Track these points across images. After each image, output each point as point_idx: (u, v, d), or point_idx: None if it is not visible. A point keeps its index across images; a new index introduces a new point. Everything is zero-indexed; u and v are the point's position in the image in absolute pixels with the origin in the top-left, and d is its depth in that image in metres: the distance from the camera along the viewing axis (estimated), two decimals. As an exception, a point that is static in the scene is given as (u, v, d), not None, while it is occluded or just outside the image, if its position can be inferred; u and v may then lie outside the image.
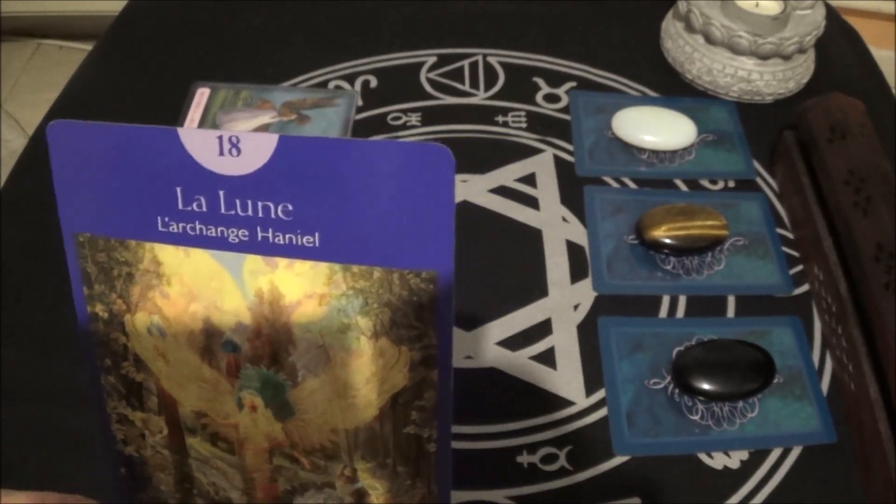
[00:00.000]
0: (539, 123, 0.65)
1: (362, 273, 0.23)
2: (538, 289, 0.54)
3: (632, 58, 0.72)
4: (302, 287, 0.24)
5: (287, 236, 0.23)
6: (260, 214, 0.23)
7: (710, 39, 0.66)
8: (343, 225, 0.22)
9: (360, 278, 0.23)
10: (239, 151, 0.22)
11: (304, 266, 0.23)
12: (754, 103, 0.68)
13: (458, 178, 0.60)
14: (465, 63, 0.70)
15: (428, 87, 0.68)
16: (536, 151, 0.63)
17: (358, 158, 0.22)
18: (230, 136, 0.22)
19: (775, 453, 0.46)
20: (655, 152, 0.63)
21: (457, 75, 0.69)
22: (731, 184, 0.61)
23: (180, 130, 0.23)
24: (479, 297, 0.53)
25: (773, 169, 0.62)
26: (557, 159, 0.62)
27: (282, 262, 0.24)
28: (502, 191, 0.60)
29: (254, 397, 0.25)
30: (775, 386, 0.49)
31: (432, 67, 0.70)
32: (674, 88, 0.69)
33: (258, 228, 0.23)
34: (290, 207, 0.23)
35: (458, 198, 0.59)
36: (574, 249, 0.56)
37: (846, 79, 0.71)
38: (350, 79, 0.68)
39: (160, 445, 0.27)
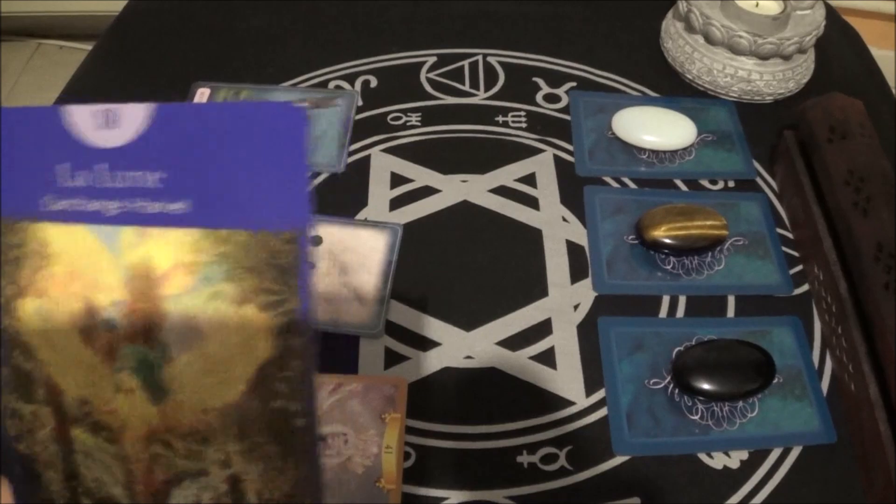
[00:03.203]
0: (539, 123, 0.65)
1: (226, 238, 0.23)
2: (538, 289, 0.54)
3: (632, 58, 0.72)
4: (172, 256, 0.24)
5: (159, 204, 0.23)
6: (135, 184, 0.23)
7: (710, 39, 0.66)
8: (210, 190, 0.23)
9: (224, 243, 0.23)
10: (116, 123, 0.23)
11: (174, 235, 0.24)
12: (754, 103, 0.68)
13: (458, 178, 0.60)
14: (465, 63, 0.70)
15: (428, 87, 0.68)
16: (536, 151, 0.63)
17: (220, 122, 0.22)
18: (106, 108, 0.23)
19: (775, 453, 0.46)
20: (655, 152, 0.63)
21: (457, 75, 0.69)
22: (731, 184, 0.61)
23: (62, 107, 0.23)
24: (479, 297, 0.53)
25: (773, 169, 0.62)
26: (557, 159, 0.62)
27: (154, 232, 0.24)
28: (502, 191, 0.60)
29: (130, 379, 0.25)
30: (775, 386, 0.49)
31: (432, 67, 0.70)
32: (674, 88, 0.69)
33: (133, 199, 0.23)
34: (163, 175, 0.23)
35: (459, 198, 0.59)
36: (574, 249, 0.56)
37: (846, 79, 0.71)
38: (350, 79, 0.68)
39: (49, 440, 0.26)
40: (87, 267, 0.24)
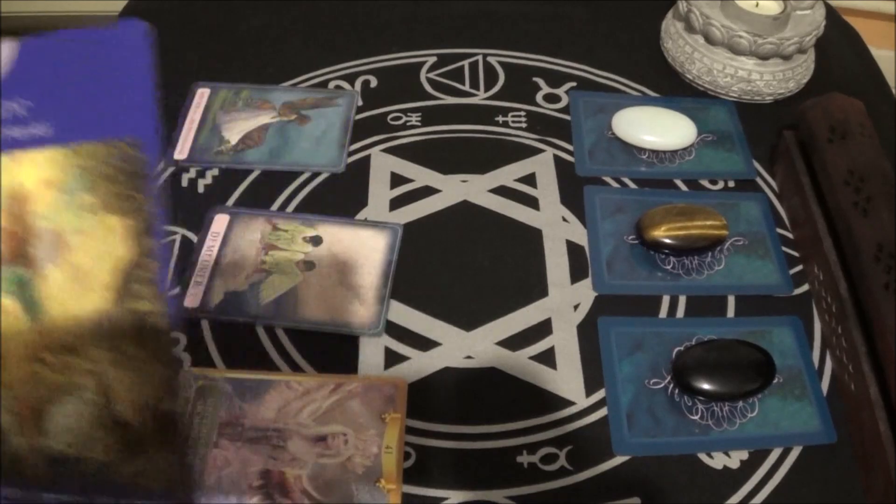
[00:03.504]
0: (539, 123, 0.65)
1: (83, 151, 0.26)
2: (538, 289, 0.54)
3: (632, 58, 0.72)
4: (39, 176, 0.26)
5: (27, 130, 0.25)
6: (5, 115, 0.25)
7: (710, 39, 0.66)
8: (70, 110, 0.25)
9: (82, 156, 0.26)
10: None
11: (41, 155, 0.25)
12: (754, 103, 0.68)
13: (458, 178, 0.60)
14: (465, 63, 0.70)
15: (428, 87, 0.68)
16: (536, 151, 0.63)
17: (75, 49, 0.25)
18: None
19: (775, 453, 0.46)
20: (655, 152, 0.63)
21: (457, 75, 0.69)
22: (731, 184, 0.61)
23: None
24: (479, 297, 0.53)
25: (773, 169, 0.62)
26: (557, 159, 0.62)
27: (24, 155, 0.25)
28: (502, 191, 0.60)
29: (8, 300, 0.26)
30: (775, 386, 0.49)
31: (432, 67, 0.70)
32: (674, 88, 0.69)
33: (3, 128, 0.25)
34: (30, 102, 0.25)
35: (459, 198, 0.59)
36: (574, 249, 0.56)
37: (846, 79, 0.71)
38: (350, 79, 0.68)
39: None
40: None
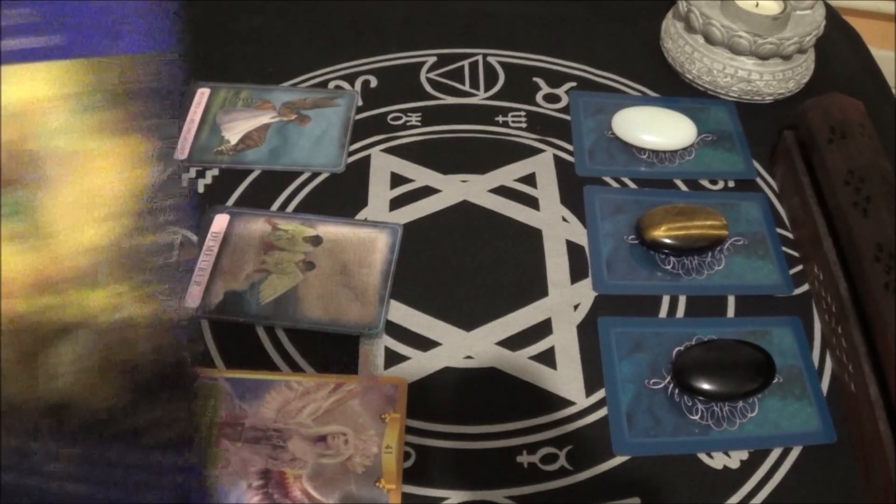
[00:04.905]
0: (539, 123, 0.65)
1: (102, 64, 0.23)
2: (538, 289, 0.54)
3: (632, 58, 0.72)
4: (49, 90, 0.23)
5: (35, 39, 0.23)
6: (9, 22, 0.23)
7: (710, 39, 0.66)
8: (84, 22, 0.23)
9: (100, 70, 0.23)
10: None
11: (51, 68, 0.23)
12: (754, 103, 0.68)
13: (458, 178, 0.60)
14: (465, 63, 0.70)
15: (428, 87, 0.68)
16: (536, 151, 0.63)
17: None
18: None
19: (775, 453, 0.46)
20: (655, 152, 0.63)
21: (457, 75, 0.69)
22: (731, 184, 0.61)
23: None
24: (479, 297, 0.53)
25: (773, 169, 0.62)
26: (557, 159, 0.62)
27: (31, 68, 0.23)
28: (502, 191, 0.60)
29: (12, 225, 0.24)
30: (775, 386, 0.49)
31: (432, 67, 0.70)
32: (674, 88, 0.69)
33: (7, 37, 0.23)
34: (37, 11, 0.23)
35: (459, 198, 0.59)
36: (574, 249, 0.56)
37: (846, 79, 0.71)
38: (350, 79, 0.68)
39: None
40: None
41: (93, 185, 0.23)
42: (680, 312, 0.53)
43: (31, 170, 0.23)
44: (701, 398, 0.48)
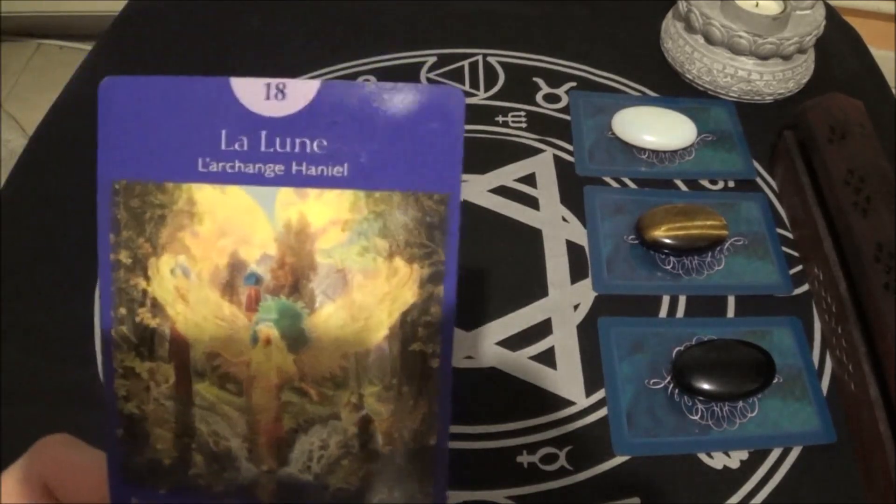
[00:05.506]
0: (539, 123, 0.65)
1: (383, 198, 0.25)
2: (538, 289, 0.54)
3: (632, 58, 0.72)
4: (328, 214, 0.25)
5: (319, 168, 0.25)
6: (297, 150, 0.25)
7: (710, 39, 0.66)
8: (370, 156, 0.25)
9: (380, 203, 0.25)
10: (284, 96, 0.25)
11: (331, 195, 0.25)
12: (754, 103, 0.68)
13: (458, 178, 0.60)
14: (465, 63, 0.70)
15: (428, 87, 0.68)
16: (536, 151, 0.63)
17: (386, 100, 0.25)
18: (277, 82, 0.25)
19: (775, 453, 0.46)
20: (655, 152, 0.63)
21: (457, 75, 0.69)
22: (731, 184, 0.61)
23: (232, 79, 0.25)
24: (479, 297, 0.53)
25: (773, 169, 0.62)
26: (557, 159, 0.62)
27: (312, 192, 0.25)
28: (502, 191, 0.60)
29: (270, 329, 0.26)
30: (775, 386, 0.49)
31: (432, 67, 0.70)
32: (674, 88, 0.69)
33: (293, 163, 0.25)
34: (325, 143, 0.25)
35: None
36: (574, 249, 0.56)
37: (846, 79, 0.71)
38: (350, 79, 0.68)
39: (164, 396, 0.27)
40: (238, 223, 0.25)
41: (361, 299, 0.26)
42: (680, 312, 0.53)
43: (303, 283, 0.26)
44: (701, 398, 0.48)
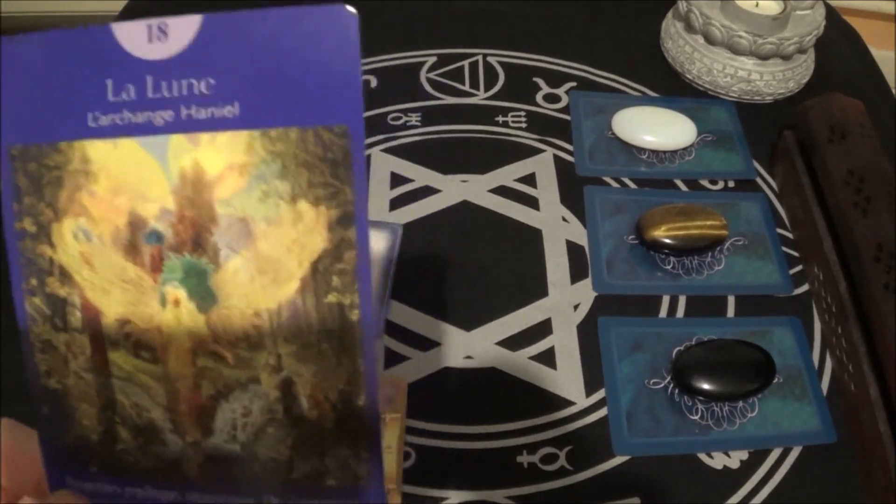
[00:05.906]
0: (539, 123, 0.65)
1: (279, 136, 0.23)
2: (538, 289, 0.54)
3: (632, 58, 0.72)
4: (223, 160, 0.24)
5: (209, 110, 0.23)
6: (184, 92, 0.23)
7: (710, 39, 0.66)
8: (260, 91, 0.23)
9: (277, 141, 0.23)
10: (166, 36, 0.23)
11: (224, 138, 0.24)
12: (754, 103, 0.68)
13: (458, 178, 0.60)
14: (465, 63, 0.70)
15: (428, 87, 0.68)
16: (536, 151, 0.63)
17: (271, 27, 0.23)
18: (158, 22, 0.23)
19: (775, 453, 0.46)
20: (655, 152, 0.63)
21: (457, 75, 0.69)
22: (731, 184, 0.61)
23: (113, 25, 0.23)
24: (479, 297, 0.53)
25: (773, 169, 0.62)
26: (557, 159, 0.62)
27: (204, 137, 0.24)
28: (502, 191, 0.60)
29: (177, 290, 0.24)
30: (775, 386, 0.49)
31: (432, 67, 0.70)
32: (674, 88, 0.69)
33: (182, 107, 0.23)
34: (213, 82, 0.23)
35: (459, 198, 0.59)
36: (574, 249, 0.56)
37: (846, 79, 0.71)
38: (350, 79, 0.68)
39: (83, 369, 0.26)
40: (133, 179, 0.24)
41: (267, 250, 0.24)
42: (680, 312, 0.53)
43: (205, 238, 0.24)
44: (701, 398, 0.48)
